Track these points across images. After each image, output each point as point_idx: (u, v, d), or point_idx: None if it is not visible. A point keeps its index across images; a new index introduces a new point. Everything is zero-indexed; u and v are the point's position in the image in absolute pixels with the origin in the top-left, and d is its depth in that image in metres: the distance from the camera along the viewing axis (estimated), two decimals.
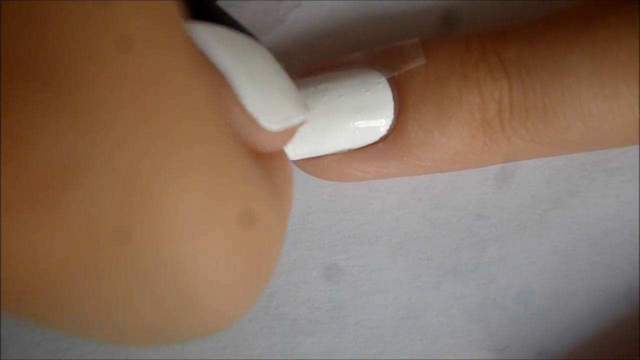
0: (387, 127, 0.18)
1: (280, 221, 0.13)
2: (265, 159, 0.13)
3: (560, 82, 0.16)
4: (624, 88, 0.16)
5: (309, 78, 0.18)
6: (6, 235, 0.08)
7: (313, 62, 0.19)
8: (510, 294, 0.20)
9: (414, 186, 0.20)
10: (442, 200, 0.20)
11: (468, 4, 0.19)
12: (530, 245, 0.20)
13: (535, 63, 0.17)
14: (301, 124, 0.14)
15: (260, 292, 0.12)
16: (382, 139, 0.18)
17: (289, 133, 0.13)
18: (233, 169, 0.11)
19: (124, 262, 0.09)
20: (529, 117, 0.17)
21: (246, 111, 0.12)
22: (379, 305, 0.20)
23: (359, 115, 0.17)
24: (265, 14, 0.20)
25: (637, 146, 0.20)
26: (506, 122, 0.17)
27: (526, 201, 0.20)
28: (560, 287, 0.20)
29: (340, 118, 0.17)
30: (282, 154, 0.14)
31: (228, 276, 0.11)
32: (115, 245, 0.09)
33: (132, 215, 0.09)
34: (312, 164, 0.18)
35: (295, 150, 0.18)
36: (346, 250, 0.20)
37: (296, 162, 0.19)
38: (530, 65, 0.17)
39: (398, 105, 0.17)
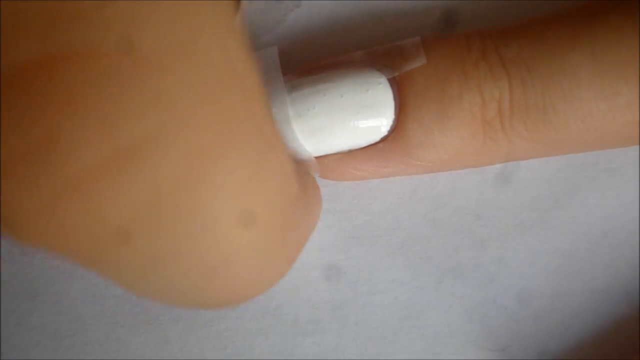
0: (388, 127, 0.18)
1: (309, 214, 0.15)
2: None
3: (560, 82, 0.16)
4: (624, 88, 0.16)
5: (309, 77, 0.18)
6: (97, 192, 0.10)
7: (313, 60, 0.19)
8: (510, 294, 0.20)
9: (414, 186, 0.20)
10: (442, 200, 0.20)
11: (468, 4, 0.19)
12: (530, 245, 0.20)
13: (535, 62, 0.17)
14: None
15: (286, 270, 0.14)
16: (383, 139, 0.18)
17: None
18: (275, 146, 0.12)
19: (181, 217, 0.11)
20: (529, 117, 0.17)
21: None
22: (379, 305, 0.20)
23: (360, 114, 0.17)
24: (265, 14, 0.20)
25: (637, 146, 0.20)
26: (506, 121, 0.17)
27: (526, 201, 0.20)
28: (560, 287, 0.20)
29: (340, 118, 0.17)
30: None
31: (262, 243, 0.12)
32: (177, 204, 0.11)
33: (192, 176, 0.11)
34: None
35: (296, 148, 0.18)
36: (346, 250, 0.20)
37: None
38: (531, 64, 0.17)
39: (398, 105, 0.17)
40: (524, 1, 0.19)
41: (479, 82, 0.17)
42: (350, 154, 0.18)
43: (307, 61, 0.19)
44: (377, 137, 0.18)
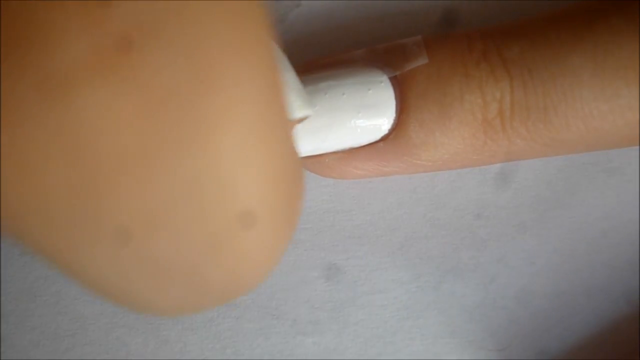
0: (389, 126, 0.18)
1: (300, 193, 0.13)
2: None
3: (561, 83, 0.16)
4: (625, 89, 0.16)
5: (311, 76, 0.18)
6: (79, 98, 0.08)
7: (314, 58, 0.19)
8: (510, 294, 0.20)
9: (414, 186, 0.20)
10: (442, 200, 0.20)
11: (468, 4, 0.19)
12: (530, 245, 0.20)
13: (537, 63, 0.17)
14: (302, 119, 0.14)
15: (290, 236, 0.12)
16: (384, 138, 0.18)
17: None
18: (280, 92, 0.11)
19: (181, 147, 0.09)
20: (530, 117, 0.17)
21: None
22: (379, 305, 0.20)
23: (361, 113, 0.17)
24: None
25: (637, 146, 0.19)
26: (507, 122, 0.17)
27: (526, 201, 0.20)
28: (560, 287, 0.20)
29: (341, 116, 0.17)
30: None
31: (271, 200, 0.10)
32: (176, 119, 0.09)
33: (195, 89, 0.09)
34: (313, 162, 0.18)
35: (297, 146, 0.18)
36: (346, 250, 0.20)
37: None
38: (532, 66, 0.17)
39: (400, 104, 0.17)
40: (524, 1, 0.19)
41: (480, 83, 0.17)
42: (351, 152, 0.18)
43: (308, 59, 0.19)
44: (377, 136, 0.18)
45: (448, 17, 0.20)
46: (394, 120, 0.17)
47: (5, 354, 0.20)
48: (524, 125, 0.17)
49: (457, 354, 0.20)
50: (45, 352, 0.20)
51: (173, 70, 0.08)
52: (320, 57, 0.19)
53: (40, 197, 0.09)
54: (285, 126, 0.11)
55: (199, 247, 0.10)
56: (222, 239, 0.10)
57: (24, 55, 0.08)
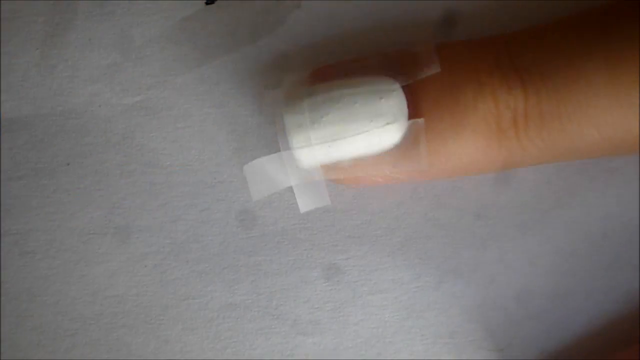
0: (401, 134, 0.17)
1: None
2: None
3: (576, 91, 0.16)
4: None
5: (323, 85, 0.18)
6: None
7: (325, 65, 0.19)
8: (510, 294, 0.20)
9: (414, 186, 0.20)
10: (442, 200, 0.20)
11: (468, 4, 0.19)
12: (530, 245, 0.20)
13: (550, 71, 0.16)
14: None
15: None
16: (397, 146, 0.18)
17: None
18: None
19: None
20: (544, 126, 0.17)
21: None
22: (379, 305, 0.20)
23: (373, 122, 0.17)
24: (265, 15, 0.20)
25: None
26: (521, 131, 0.17)
27: (526, 201, 0.20)
28: (560, 287, 0.20)
29: (354, 125, 0.17)
30: None
31: None
32: None
33: None
34: (329, 170, 0.18)
35: (310, 155, 0.17)
36: (346, 250, 0.20)
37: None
38: (546, 74, 0.16)
39: (412, 113, 0.17)
40: (523, 1, 0.19)
41: (494, 91, 0.17)
42: (364, 161, 0.18)
43: (320, 67, 0.19)
44: (390, 144, 0.17)
45: (448, 17, 0.20)
46: (407, 129, 0.17)
47: (5, 354, 0.20)
48: (539, 135, 0.17)
49: (457, 354, 0.20)
50: (45, 352, 0.20)
51: None
52: (332, 65, 0.19)
53: None
54: None
55: None
56: None
57: None
